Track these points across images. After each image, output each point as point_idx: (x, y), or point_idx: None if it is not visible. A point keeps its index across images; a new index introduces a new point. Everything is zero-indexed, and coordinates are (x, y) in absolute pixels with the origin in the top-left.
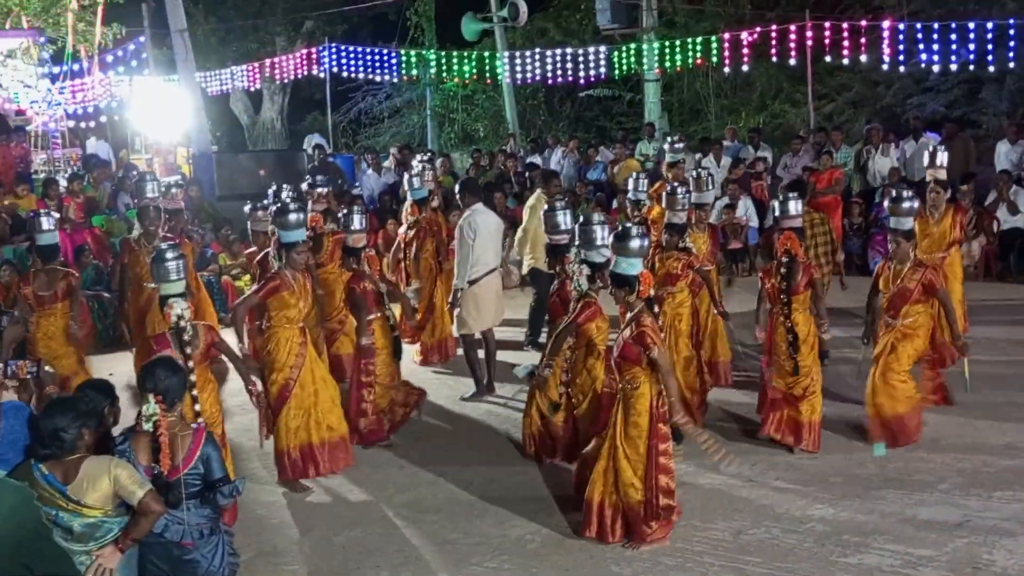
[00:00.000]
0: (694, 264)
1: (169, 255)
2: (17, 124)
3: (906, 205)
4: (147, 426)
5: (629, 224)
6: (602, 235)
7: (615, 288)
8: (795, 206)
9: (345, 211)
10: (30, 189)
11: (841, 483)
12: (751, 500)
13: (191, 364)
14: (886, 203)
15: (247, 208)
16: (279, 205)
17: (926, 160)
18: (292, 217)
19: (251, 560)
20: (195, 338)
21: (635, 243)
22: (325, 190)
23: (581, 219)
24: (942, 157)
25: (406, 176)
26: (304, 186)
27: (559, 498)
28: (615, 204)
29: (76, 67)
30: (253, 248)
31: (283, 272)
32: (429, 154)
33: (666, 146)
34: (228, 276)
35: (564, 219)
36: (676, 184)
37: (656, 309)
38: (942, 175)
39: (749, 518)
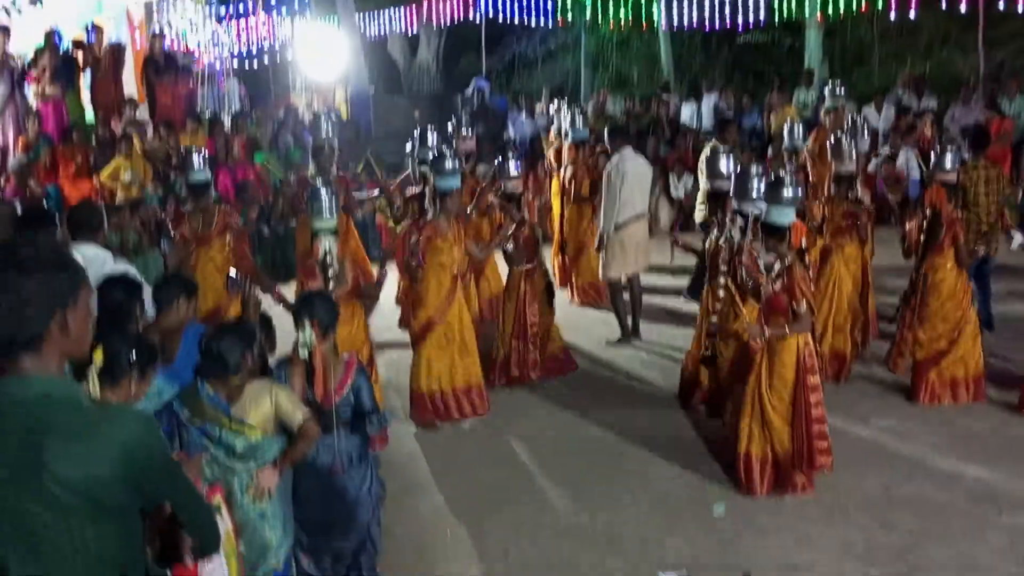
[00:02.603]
0: (863, 216)
1: (324, 192)
2: (184, 63)
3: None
4: (303, 353)
5: (783, 173)
6: (758, 187)
7: (767, 237)
8: (950, 160)
9: (500, 158)
10: (198, 126)
11: (997, 443)
12: (902, 455)
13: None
14: None
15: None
16: (435, 153)
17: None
18: (447, 164)
19: (395, 492)
20: (342, 274)
21: (788, 192)
22: (467, 132)
23: (738, 169)
24: None
25: (566, 117)
26: (450, 128)
27: (702, 444)
28: (770, 152)
29: (242, 8)
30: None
31: (438, 220)
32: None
33: (825, 92)
34: (383, 215)
35: (727, 164)
36: (841, 134)
37: (808, 260)
38: None
39: (900, 473)
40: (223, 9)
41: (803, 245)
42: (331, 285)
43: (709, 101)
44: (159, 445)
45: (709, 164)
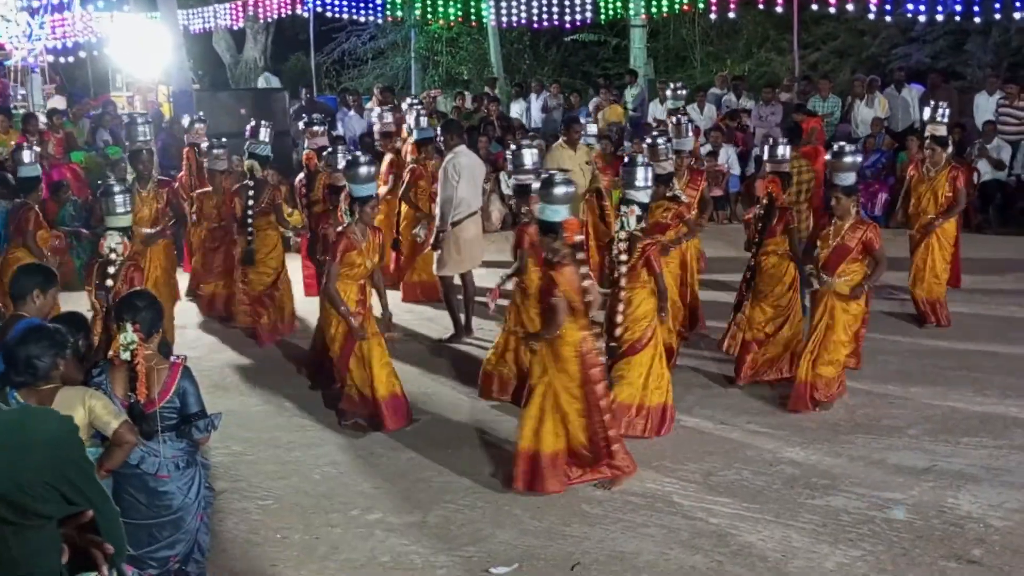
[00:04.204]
0: (684, 214)
1: (116, 190)
2: None
3: (847, 160)
4: (124, 355)
5: (554, 171)
6: (645, 176)
7: (541, 235)
8: (783, 151)
9: (329, 150)
10: (10, 124)
11: (812, 428)
12: (722, 443)
13: (110, 296)
14: (827, 157)
15: (204, 146)
16: (350, 157)
17: (926, 115)
18: (363, 170)
19: (226, 494)
20: (118, 272)
21: (560, 190)
22: (322, 128)
23: (626, 160)
24: (942, 112)
25: (410, 116)
26: (300, 125)
27: None
28: (598, 148)
29: (56, 1)
30: (208, 188)
31: (352, 229)
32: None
33: (668, 92)
34: None
35: (530, 158)
36: (657, 134)
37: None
38: (941, 131)
39: (719, 460)
40: (36, 3)
41: (576, 240)
42: (109, 283)
43: (538, 100)
44: (79, 444)
45: (514, 158)
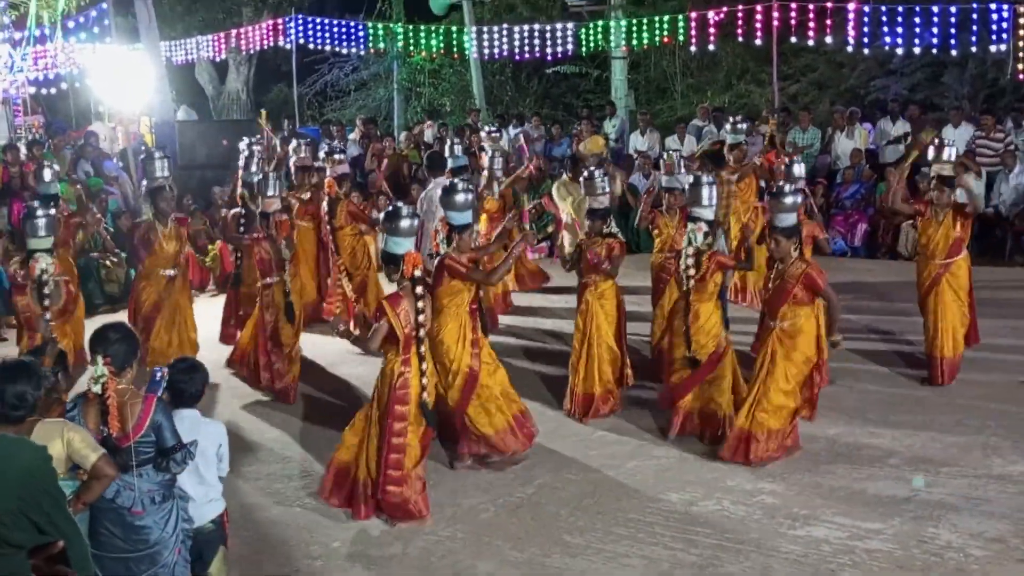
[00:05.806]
0: (614, 249)
1: (39, 212)
2: None
3: (788, 200)
4: (95, 388)
5: (400, 204)
6: (710, 194)
7: (384, 266)
8: (799, 169)
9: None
10: None
11: (792, 458)
12: (703, 474)
13: (48, 316)
14: (766, 198)
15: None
16: (447, 186)
17: (931, 154)
18: (461, 198)
19: None
20: (55, 292)
21: (404, 223)
22: (343, 156)
23: (691, 179)
24: (949, 152)
25: (447, 145)
26: (322, 153)
27: (510, 470)
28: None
29: (38, 33)
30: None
31: (456, 256)
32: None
33: (727, 127)
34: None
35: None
36: (594, 168)
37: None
38: (947, 171)
39: (700, 491)
40: (18, 34)
41: (416, 275)
42: (47, 303)
43: (517, 131)
44: (52, 474)
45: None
